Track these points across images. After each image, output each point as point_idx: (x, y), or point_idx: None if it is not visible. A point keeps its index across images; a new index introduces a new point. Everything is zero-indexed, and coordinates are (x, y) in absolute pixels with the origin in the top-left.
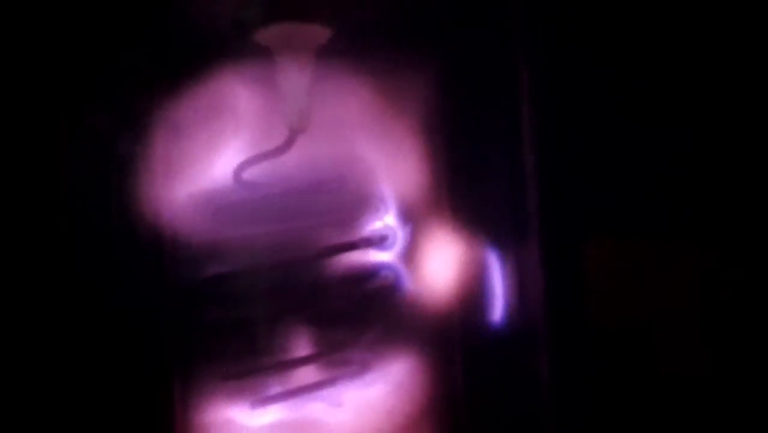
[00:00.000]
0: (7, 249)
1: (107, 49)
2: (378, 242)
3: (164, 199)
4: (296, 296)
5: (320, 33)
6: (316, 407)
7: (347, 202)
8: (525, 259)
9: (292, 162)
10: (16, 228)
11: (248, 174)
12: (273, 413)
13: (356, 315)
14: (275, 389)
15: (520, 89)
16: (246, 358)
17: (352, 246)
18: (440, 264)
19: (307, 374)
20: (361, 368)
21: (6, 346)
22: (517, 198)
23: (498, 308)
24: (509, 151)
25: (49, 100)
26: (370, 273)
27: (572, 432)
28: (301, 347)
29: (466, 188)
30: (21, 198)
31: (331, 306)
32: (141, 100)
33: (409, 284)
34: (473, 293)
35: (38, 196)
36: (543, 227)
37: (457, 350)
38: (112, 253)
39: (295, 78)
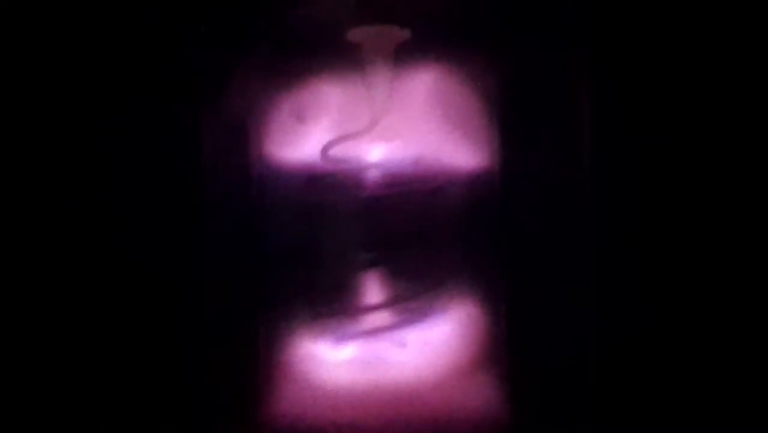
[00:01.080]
0: (152, 202)
1: (237, 50)
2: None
3: (267, 168)
4: (372, 251)
5: (401, 33)
6: (383, 346)
7: (417, 177)
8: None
9: (372, 142)
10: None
11: (335, 151)
12: (346, 351)
13: (424, 269)
14: (351, 329)
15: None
16: (327, 302)
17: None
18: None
19: (377, 318)
20: (424, 313)
21: (125, 284)
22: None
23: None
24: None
25: (196, 91)
26: (437, 233)
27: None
28: (375, 294)
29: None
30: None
31: (402, 262)
32: (264, 87)
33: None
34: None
35: (180, 162)
36: None
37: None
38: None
39: (378, 71)
